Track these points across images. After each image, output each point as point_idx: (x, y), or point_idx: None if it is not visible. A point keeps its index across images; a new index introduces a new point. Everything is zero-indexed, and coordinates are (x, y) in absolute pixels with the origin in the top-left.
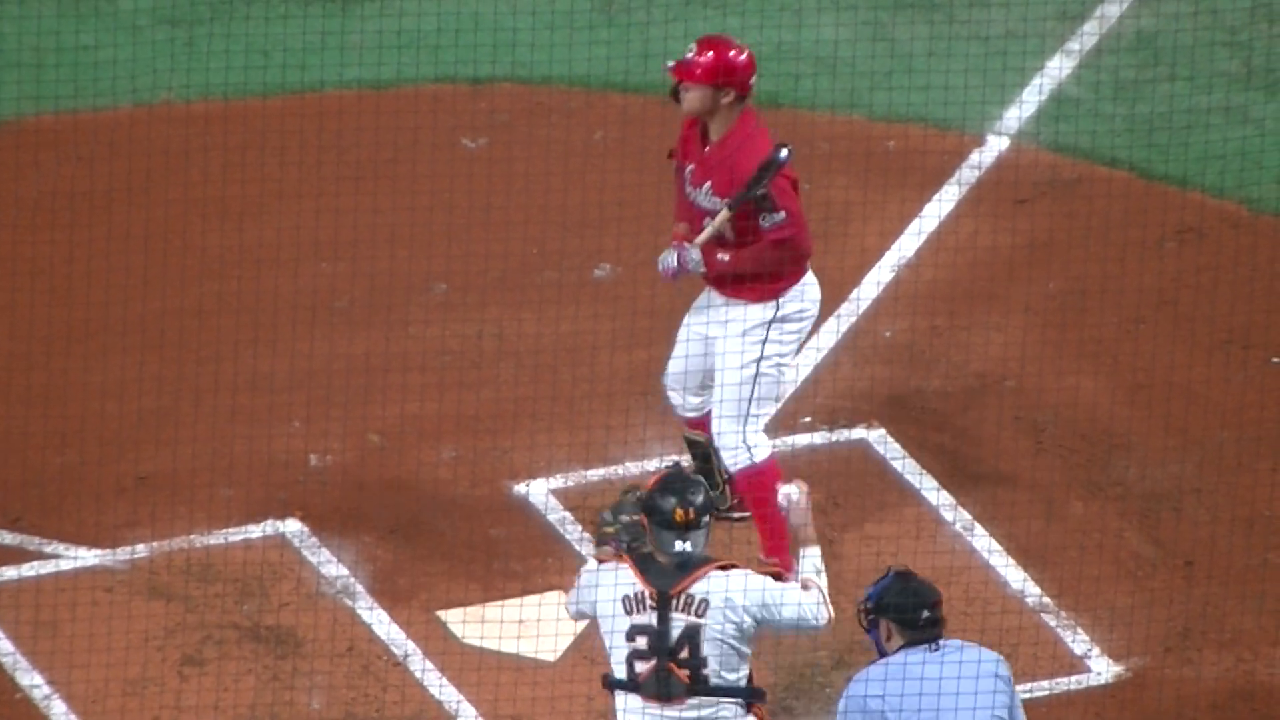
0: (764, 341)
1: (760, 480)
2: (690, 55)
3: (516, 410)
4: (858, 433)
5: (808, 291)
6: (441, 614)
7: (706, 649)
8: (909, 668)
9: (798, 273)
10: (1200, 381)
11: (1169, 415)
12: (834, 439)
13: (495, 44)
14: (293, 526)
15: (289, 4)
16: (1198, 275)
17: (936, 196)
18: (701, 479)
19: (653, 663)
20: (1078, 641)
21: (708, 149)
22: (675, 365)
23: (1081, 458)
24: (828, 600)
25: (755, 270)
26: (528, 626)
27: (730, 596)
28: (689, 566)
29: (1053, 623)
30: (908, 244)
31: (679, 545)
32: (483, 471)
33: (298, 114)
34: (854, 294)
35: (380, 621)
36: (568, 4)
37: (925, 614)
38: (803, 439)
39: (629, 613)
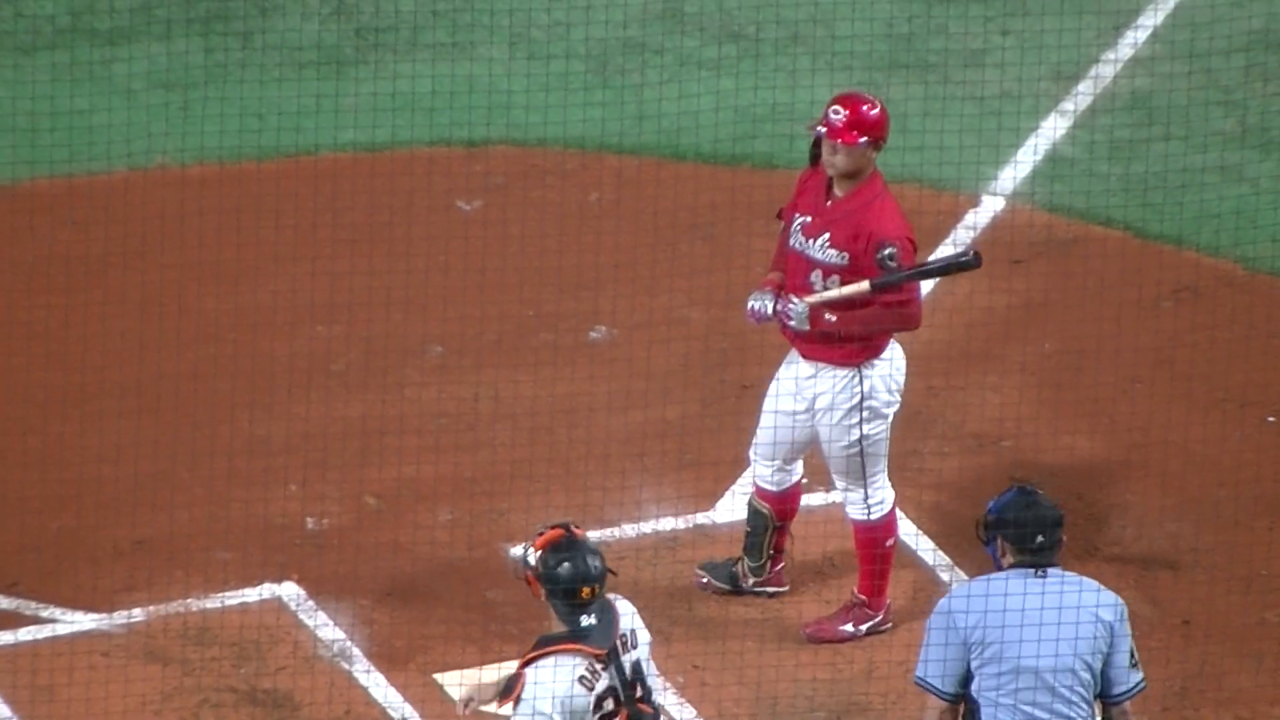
0: (860, 422)
1: (875, 534)
2: (837, 117)
3: (513, 472)
4: None
5: (895, 355)
6: (439, 677)
7: (645, 670)
8: (1010, 595)
9: (885, 341)
10: (1197, 440)
11: (1166, 474)
12: (831, 499)
13: (490, 106)
14: (290, 590)
15: (283, 67)
16: (1194, 334)
17: (931, 257)
18: (590, 541)
19: (622, 714)
20: None
21: (830, 202)
22: (764, 436)
23: (1078, 517)
24: None
25: (860, 333)
26: None
27: (635, 617)
28: (608, 614)
29: None
30: None
31: (584, 621)
32: (479, 534)
33: (293, 177)
34: None
35: (377, 685)
36: (562, 66)
37: (1039, 538)
38: (801, 500)
39: (590, 689)
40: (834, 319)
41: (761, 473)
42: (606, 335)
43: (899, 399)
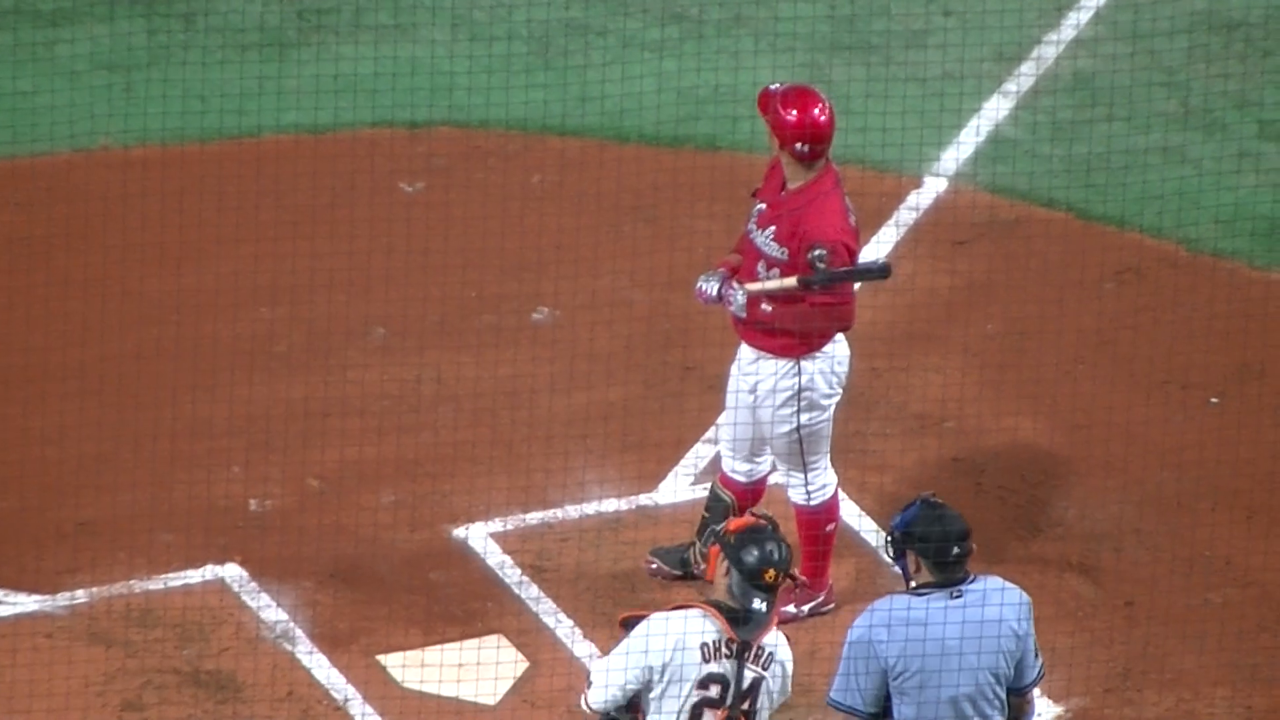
0: (797, 411)
1: (816, 518)
2: (775, 90)
3: (456, 454)
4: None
5: (837, 350)
6: (381, 658)
7: (761, 701)
8: (930, 625)
9: (826, 335)
10: (1140, 422)
11: (1109, 456)
12: (774, 481)
13: (433, 88)
14: (233, 571)
15: (226, 49)
16: (1136, 316)
17: (875, 238)
18: (783, 538)
19: (722, 712)
20: None
21: (783, 193)
22: (726, 432)
23: (1021, 499)
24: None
25: (795, 328)
26: (468, 670)
27: (783, 658)
28: (764, 620)
29: None
30: None
31: (758, 603)
32: (422, 515)
33: (235, 159)
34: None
35: (320, 666)
36: (505, 47)
37: (954, 550)
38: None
39: (705, 660)
40: (770, 310)
41: (729, 463)
42: (549, 317)
43: (839, 391)
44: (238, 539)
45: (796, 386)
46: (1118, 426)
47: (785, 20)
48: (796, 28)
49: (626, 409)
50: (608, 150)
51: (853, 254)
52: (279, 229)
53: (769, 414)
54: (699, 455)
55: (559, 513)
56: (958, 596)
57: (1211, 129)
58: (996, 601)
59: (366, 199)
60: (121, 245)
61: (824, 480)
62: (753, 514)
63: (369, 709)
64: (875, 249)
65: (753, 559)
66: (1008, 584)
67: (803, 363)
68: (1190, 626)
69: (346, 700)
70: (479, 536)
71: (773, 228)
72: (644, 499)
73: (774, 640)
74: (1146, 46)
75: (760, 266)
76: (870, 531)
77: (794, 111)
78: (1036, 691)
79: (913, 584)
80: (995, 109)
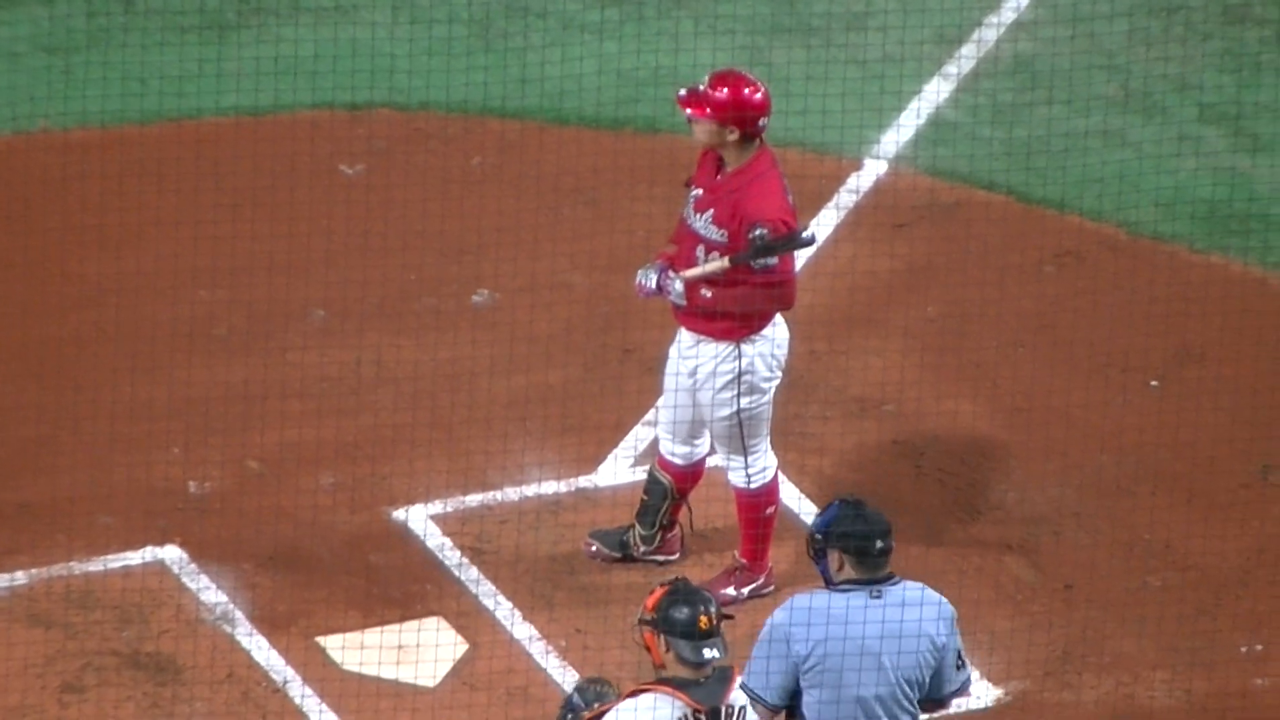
0: (737, 395)
1: (756, 501)
2: (702, 88)
3: (395, 437)
4: None
5: (777, 333)
6: (321, 640)
7: None
8: (849, 624)
9: (765, 318)
10: (1079, 405)
11: (1048, 439)
12: (712, 464)
13: (373, 70)
14: (172, 553)
15: (166, 31)
16: (1076, 299)
17: (815, 221)
18: (707, 590)
19: None
20: None
21: (720, 177)
22: (664, 415)
23: (961, 481)
24: None
25: (737, 310)
26: (407, 652)
27: (754, 716)
28: (724, 677)
29: None
30: None
31: (708, 653)
32: (362, 498)
33: (175, 141)
34: None
35: (259, 648)
36: (445, 30)
37: (878, 544)
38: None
39: None
40: (710, 295)
41: (666, 445)
42: (489, 299)
43: (779, 375)
44: (177, 521)
45: (737, 370)
46: (1057, 410)
47: (726, 2)
48: (737, 10)
49: (566, 391)
50: (548, 133)
51: (793, 232)
52: (218, 211)
53: (709, 397)
54: (638, 438)
55: (498, 495)
56: (878, 596)
57: (1151, 112)
58: (916, 604)
59: (306, 181)
60: (61, 228)
61: (764, 463)
62: (661, 584)
63: (308, 691)
64: (816, 231)
65: (683, 616)
66: (930, 592)
67: (743, 346)
68: (1129, 610)
69: (286, 682)
70: (419, 519)
71: (711, 211)
72: (583, 481)
73: (741, 698)
74: (1087, 30)
75: (699, 251)
76: (810, 514)
77: (725, 90)
78: (976, 675)
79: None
80: (936, 91)
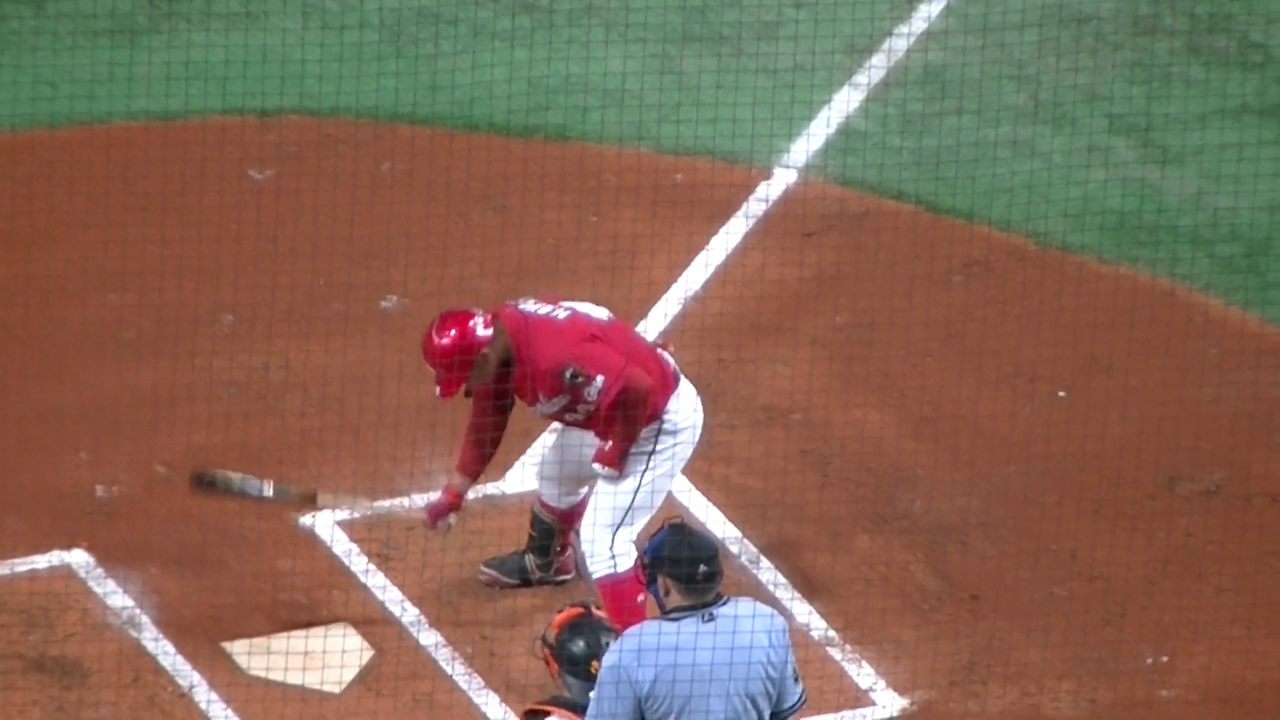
0: (645, 470)
1: (624, 587)
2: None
3: (303, 441)
4: None
5: (684, 403)
6: (227, 645)
7: None
8: (680, 650)
9: (665, 396)
10: (987, 415)
11: (956, 449)
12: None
13: (283, 76)
14: (79, 557)
15: (77, 35)
16: (985, 309)
17: (724, 229)
18: (607, 622)
19: None
20: (863, 675)
21: (515, 375)
22: (550, 469)
23: (868, 490)
24: None
25: (634, 433)
26: (314, 658)
27: None
28: None
29: (838, 656)
30: (695, 277)
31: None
32: (270, 503)
33: (86, 145)
34: (641, 326)
35: (166, 653)
36: (356, 35)
37: (702, 568)
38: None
39: None
40: (608, 446)
41: (548, 492)
42: (398, 305)
43: (691, 432)
44: (84, 525)
45: (650, 449)
46: (965, 419)
47: (636, 10)
48: (648, 18)
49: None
50: (458, 139)
51: (589, 336)
52: (128, 215)
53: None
54: (545, 445)
55: (406, 501)
56: (709, 620)
57: (1061, 123)
58: (747, 625)
59: (216, 186)
60: None
61: (627, 549)
62: (573, 604)
63: (214, 696)
64: (724, 238)
65: (578, 652)
66: (760, 606)
67: (660, 422)
68: (1035, 620)
69: (192, 687)
70: (325, 524)
71: (537, 393)
72: (490, 488)
73: None
74: (997, 40)
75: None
76: (718, 523)
77: (430, 344)
78: (881, 684)
79: (665, 610)
80: (845, 101)
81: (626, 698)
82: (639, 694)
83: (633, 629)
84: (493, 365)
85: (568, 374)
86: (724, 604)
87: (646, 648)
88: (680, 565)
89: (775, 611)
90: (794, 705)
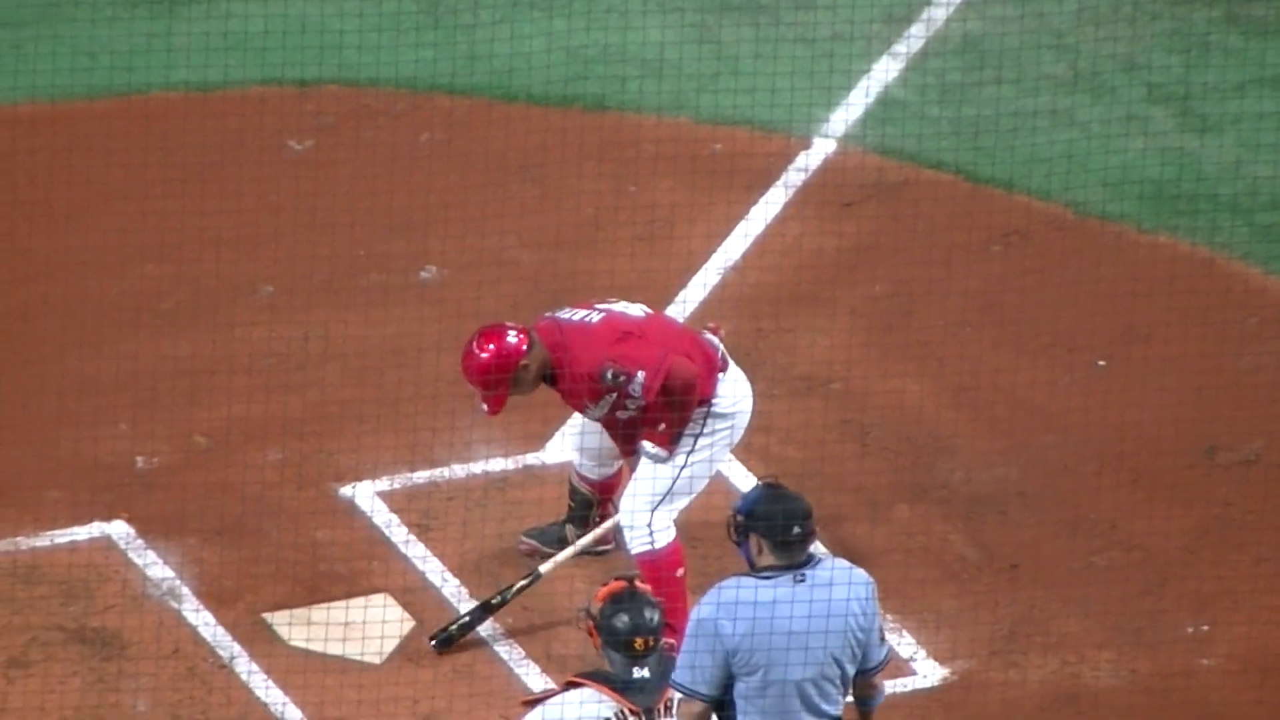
0: (692, 451)
1: (662, 564)
2: (478, 398)
3: (342, 413)
4: None
5: (734, 388)
6: (267, 616)
7: None
8: (777, 603)
9: (712, 380)
10: (1025, 385)
11: (994, 419)
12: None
13: (322, 46)
14: (119, 529)
15: (115, 6)
16: (1023, 278)
17: (763, 199)
18: (652, 598)
19: None
20: (903, 645)
21: (559, 387)
22: (588, 441)
23: (907, 460)
24: None
25: (687, 418)
26: (353, 629)
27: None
28: (663, 675)
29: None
30: (734, 247)
31: (636, 672)
32: (308, 474)
33: (124, 116)
34: (680, 296)
35: (206, 624)
36: (394, 6)
37: (795, 529)
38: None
39: None
40: (663, 429)
41: (583, 462)
42: (436, 276)
43: (742, 418)
44: (124, 496)
45: (699, 429)
46: (1004, 389)
47: None
48: None
49: None
50: (495, 109)
51: (624, 334)
52: (167, 186)
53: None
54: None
55: (445, 471)
56: (801, 580)
57: (1099, 92)
58: (843, 582)
59: (254, 157)
60: (9, 202)
61: (666, 525)
62: (618, 578)
63: (254, 667)
64: (763, 208)
65: (621, 628)
66: (852, 566)
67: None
68: (1074, 590)
69: (232, 658)
70: (365, 495)
71: (583, 401)
72: (530, 458)
73: (672, 694)
74: (1035, 9)
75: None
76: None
77: (470, 362)
78: (922, 654)
79: (757, 568)
80: (884, 70)
81: (716, 650)
82: (727, 647)
83: (728, 582)
84: (533, 377)
85: (608, 374)
86: (816, 565)
87: (739, 600)
88: (774, 525)
89: (866, 574)
90: (878, 665)
